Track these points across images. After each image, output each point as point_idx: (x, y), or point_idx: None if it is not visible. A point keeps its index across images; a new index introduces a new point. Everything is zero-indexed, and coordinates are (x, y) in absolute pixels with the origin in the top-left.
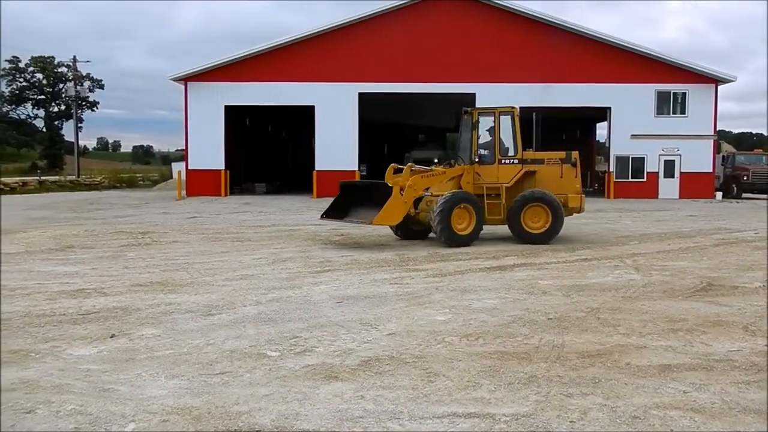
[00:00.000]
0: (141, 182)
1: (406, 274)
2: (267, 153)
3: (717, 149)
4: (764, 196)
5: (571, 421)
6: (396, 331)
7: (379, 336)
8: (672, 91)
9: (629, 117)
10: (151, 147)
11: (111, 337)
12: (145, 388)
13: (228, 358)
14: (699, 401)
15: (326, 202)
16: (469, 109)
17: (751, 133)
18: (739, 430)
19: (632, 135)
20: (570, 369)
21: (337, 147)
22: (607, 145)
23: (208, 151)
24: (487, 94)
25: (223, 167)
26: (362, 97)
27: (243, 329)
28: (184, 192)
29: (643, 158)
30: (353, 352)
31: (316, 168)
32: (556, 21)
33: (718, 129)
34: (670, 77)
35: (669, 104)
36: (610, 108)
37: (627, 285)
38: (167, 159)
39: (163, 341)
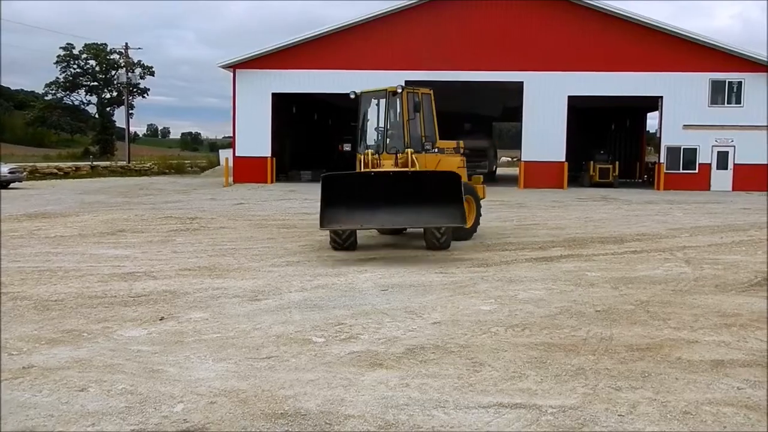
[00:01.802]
0: (189, 169)
1: (451, 264)
2: (313, 141)
3: None
4: None
5: (619, 415)
6: (441, 320)
7: (424, 324)
8: (727, 80)
9: (681, 106)
10: (199, 134)
11: (160, 319)
12: (193, 370)
13: (274, 342)
14: (753, 398)
15: None
16: (403, 87)
17: None
18: None
19: (684, 125)
20: (618, 362)
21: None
22: (657, 135)
23: (255, 138)
24: (535, 82)
25: (269, 155)
26: (408, 84)
27: (289, 315)
28: (231, 179)
29: (695, 149)
30: (398, 340)
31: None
32: (607, 8)
33: None
34: (724, 66)
35: (723, 94)
36: (661, 97)
37: (677, 278)
38: (215, 146)
39: (210, 325)
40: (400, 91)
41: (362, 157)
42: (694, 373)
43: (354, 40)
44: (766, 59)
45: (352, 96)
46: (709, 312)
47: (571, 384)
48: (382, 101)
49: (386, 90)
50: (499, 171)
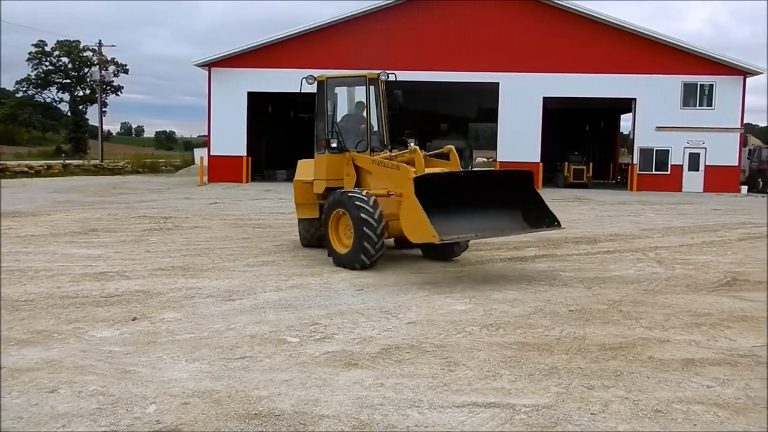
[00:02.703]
0: (163, 168)
1: (426, 264)
2: (289, 140)
3: (743, 143)
4: None
5: (592, 413)
6: (416, 320)
7: (399, 324)
8: (699, 83)
9: (654, 109)
10: (174, 133)
11: (133, 320)
12: (166, 371)
13: (248, 343)
14: (723, 396)
15: None
16: (387, 74)
17: None
18: (764, 428)
19: (657, 127)
20: (591, 361)
21: None
22: (631, 137)
23: (231, 137)
24: (511, 83)
25: (245, 154)
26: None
27: (263, 315)
28: (205, 178)
29: (668, 151)
30: (373, 340)
31: None
32: (582, 11)
33: (745, 122)
34: (697, 68)
35: (695, 96)
36: (635, 99)
37: (650, 278)
38: (190, 145)
39: (184, 325)
40: (385, 78)
41: (350, 156)
42: (665, 371)
43: (331, 40)
44: (737, 63)
45: (311, 82)
46: (680, 311)
47: (545, 383)
48: (357, 90)
49: (365, 76)
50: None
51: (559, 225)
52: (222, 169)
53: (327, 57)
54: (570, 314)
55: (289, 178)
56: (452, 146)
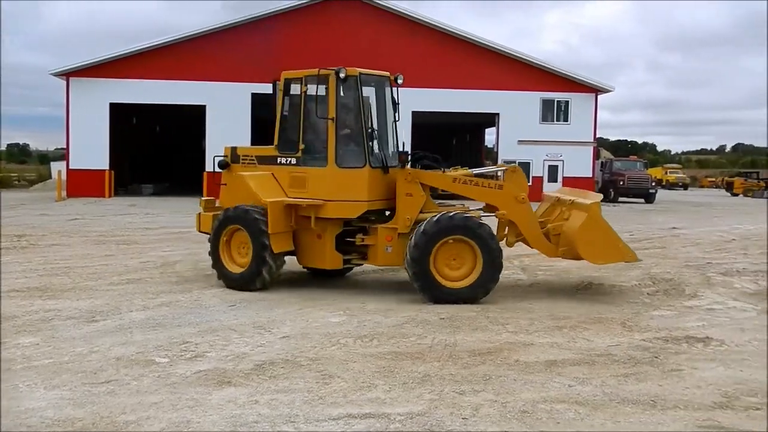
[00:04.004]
0: (16, 182)
1: (299, 277)
2: (155, 153)
3: (596, 155)
4: (639, 200)
5: (463, 418)
6: (290, 334)
7: (273, 339)
8: (556, 99)
9: (516, 123)
10: (28, 145)
11: None
12: (23, 400)
13: (114, 365)
14: (582, 394)
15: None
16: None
17: (627, 140)
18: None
19: (519, 140)
20: (462, 367)
21: None
22: (495, 150)
23: (92, 150)
24: None
25: (107, 167)
26: (256, 97)
27: (130, 335)
28: (64, 193)
29: (529, 163)
30: (247, 357)
31: (207, 169)
32: (450, 30)
33: (597, 136)
34: (553, 86)
35: (553, 112)
36: (498, 114)
37: (515, 285)
38: (46, 158)
39: (42, 350)
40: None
41: (413, 173)
42: (531, 373)
43: (198, 51)
44: (589, 81)
45: (343, 75)
46: (543, 316)
47: (418, 391)
48: (369, 90)
49: (387, 76)
50: None
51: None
52: (82, 184)
53: (192, 69)
54: (441, 322)
55: (156, 192)
56: (515, 166)
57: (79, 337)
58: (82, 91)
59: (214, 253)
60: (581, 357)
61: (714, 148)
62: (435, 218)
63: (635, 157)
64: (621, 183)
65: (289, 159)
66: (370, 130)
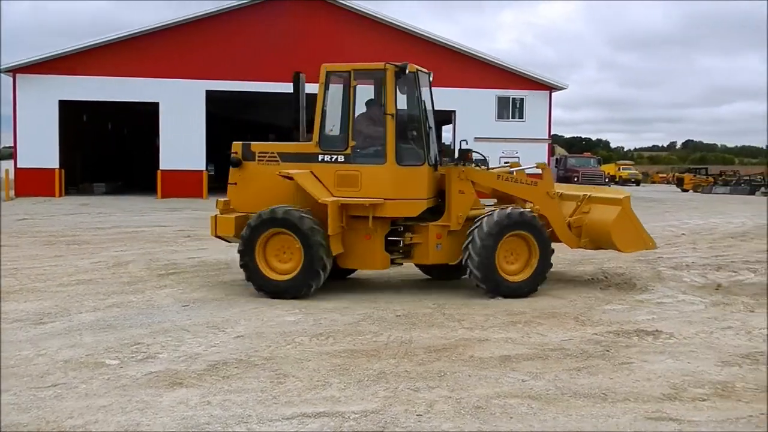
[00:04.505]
0: None
1: None
2: (108, 151)
3: (551, 152)
4: None
5: (417, 415)
6: (245, 334)
7: (227, 339)
8: (511, 97)
9: (472, 120)
10: None
11: None
12: None
13: (61, 369)
14: (535, 389)
15: (172, 203)
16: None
17: (581, 137)
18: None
19: (476, 137)
20: (417, 364)
21: (182, 146)
22: (452, 147)
23: (41, 148)
24: (336, 94)
25: (57, 166)
26: (210, 94)
27: (79, 337)
28: (12, 192)
29: (486, 159)
30: (200, 357)
31: (161, 167)
32: (405, 27)
33: (552, 133)
34: (509, 83)
35: (508, 109)
36: (454, 111)
37: (469, 282)
38: None
39: None
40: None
41: (466, 171)
42: (485, 369)
43: (151, 48)
44: (543, 79)
45: (410, 71)
46: (499, 311)
47: (373, 388)
48: (407, 86)
49: (426, 72)
50: None
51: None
52: (31, 183)
53: (145, 66)
54: (397, 319)
55: (109, 191)
56: (544, 164)
57: (26, 340)
58: (30, 88)
59: (251, 260)
60: (535, 352)
61: (665, 145)
62: (506, 212)
63: (589, 153)
64: (575, 179)
65: (335, 156)
66: (429, 127)
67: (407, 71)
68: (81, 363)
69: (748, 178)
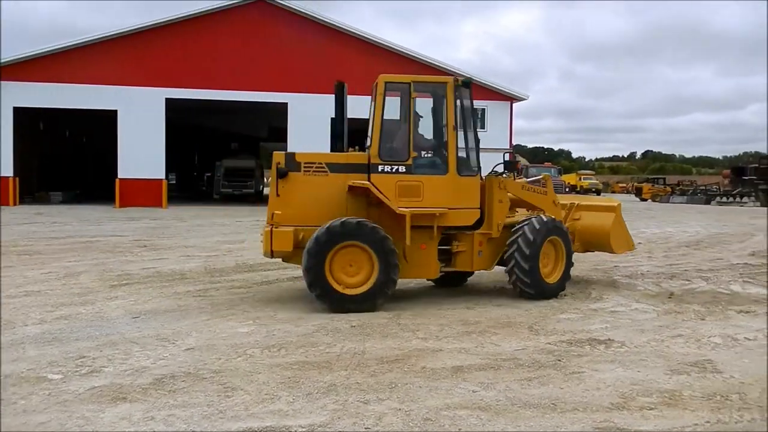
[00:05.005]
0: None
1: (211, 286)
2: (65, 160)
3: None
4: None
5: (366, 428)
6: (195, 346)
7: (177, 352)
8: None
9: None
10: None
11: None
12: None
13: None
14: (485, 400)
15: (130, 212)
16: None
17: (543, 147)
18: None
19: None
20: (369, 375)
21: (142, 154)
22: None
23: None
24: (299, 103)
25: (11, 174)
26: (170, 103)
27: (22, 351)
28: None
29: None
30: (147, 371)
31: (119, 176)
32: (366, 36)
33: (514, 143)
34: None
35: None
36: None
37: (428, 292)
38: None
39: None
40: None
41: (503, 181)
42: (437, 380)
43: (110, 54)
44: (504, 89)
45: (472, 82)
46: (455, 321)
47: (323, 401)
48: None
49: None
50: (267, 191)
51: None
52: None
53: (104, 73)
54: (352, 330)
55: (66, 200)
56: (548, 175)
57: None
58: None
59: (321, 276)
60: (487, 362)
61: (625, 155)
62: (543, 220)
63: (549, 163)
64: None
65: (396, 167)
66: (477, 139)
67: (469, 83)
68: (22, 377)
69: (704, 187)
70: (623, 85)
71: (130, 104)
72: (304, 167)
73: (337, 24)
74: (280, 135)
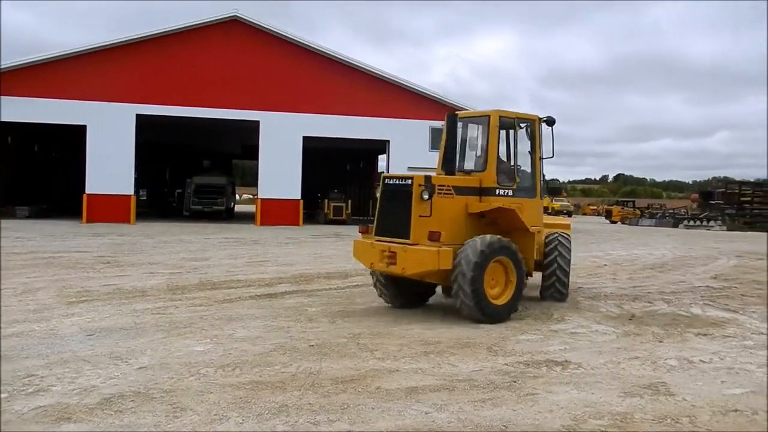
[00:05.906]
0: None
1: (171, 303)
2: (33, 174)
3: None
4: None
5: None
6: (148, 365)
7: (129, 370)
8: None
9: (406, 150)
10: None
11: None
12: None
13: None
14: (437, 421)
15: (96, 228)
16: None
17: None
18: None
19: (409, 167)
20: (322, 396)
21: (111, 170)
22: None
23: None
24: (271, 121)
25: None
26: (141, 119)
27: None
28: None
29: None
30: (95, 390)
31: (87, 191)
32: (341, 58)
33: None
34: (442, 115)
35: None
36: (389, 141)
37: (392, 312)
38: None
39: None
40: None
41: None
42: (390, 401)
43: (79, 69)
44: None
45: (552, 122)
46: (414, 341)
47: (272, 422)
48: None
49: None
50: (240, 208)
51: None
52: None
53: (72, 88)
54: (310, 349)
55: (32, 214)
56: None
57: None
58: None
59: (481, 288)
60: (443, 383)
61: (597, 178)
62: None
63: None
64: None
65: (506, 191)
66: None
67: (553, 123)
68: None
69: (672, 211)
70: (593, 111)
71: (100, 119)
72: (438, 190)
73: (310, 44)
74: (253, 153)
